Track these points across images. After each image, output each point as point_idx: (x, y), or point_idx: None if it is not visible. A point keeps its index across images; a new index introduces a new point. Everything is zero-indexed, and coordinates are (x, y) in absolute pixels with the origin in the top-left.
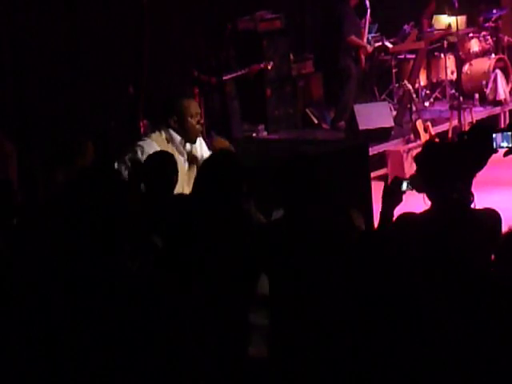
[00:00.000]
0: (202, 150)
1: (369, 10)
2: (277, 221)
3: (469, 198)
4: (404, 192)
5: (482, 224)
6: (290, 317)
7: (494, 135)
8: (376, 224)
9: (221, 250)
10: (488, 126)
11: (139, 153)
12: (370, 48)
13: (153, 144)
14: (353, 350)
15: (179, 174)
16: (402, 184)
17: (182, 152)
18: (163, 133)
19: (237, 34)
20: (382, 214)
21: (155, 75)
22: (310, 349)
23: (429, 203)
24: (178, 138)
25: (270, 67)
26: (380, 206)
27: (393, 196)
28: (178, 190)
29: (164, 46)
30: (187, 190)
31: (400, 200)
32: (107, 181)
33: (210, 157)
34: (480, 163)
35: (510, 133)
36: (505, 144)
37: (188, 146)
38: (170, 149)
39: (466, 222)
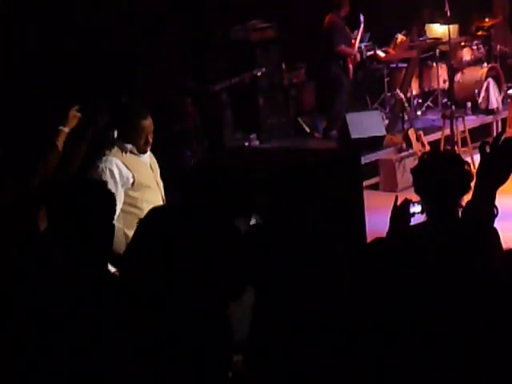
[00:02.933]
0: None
1: (362, 25)
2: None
3: (490, 212)
4: (413, 215)
5: (478, 240)
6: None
7: None
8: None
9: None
10: None
11: (103, 174)
12: (358, 56)
13: (112, 159)
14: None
15: (144, 172)
16: (411, 206)
17: (138, 154)
18: (115, 146)
19: (229, 43)
20: (388, 234)
21: (149, 85)
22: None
23: None
24: (128, 146)
25: (260, 74)
26: (373, 217)
27: (401, 218)
28: (148, 185)
29: (158, 56)
30: (154, 186)
31: (408, 222)
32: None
33: (198, 168)
34: (504, 176)
35: None
36: None
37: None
38: (128, 157)
39: (462, 238)
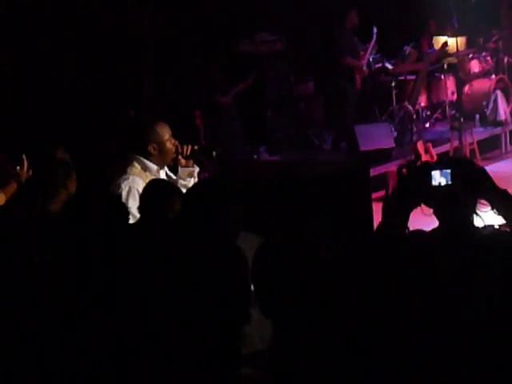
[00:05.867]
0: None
1: (375, 37)
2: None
3: (402, 233)
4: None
5: (494, 245)
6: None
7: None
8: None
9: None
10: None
11: (131, 194)
12: (366, 70)
13: (136, 179)
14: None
15: None
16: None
17: (158, 172)
18: (136, 163)
19: (238, 56)
20: (381, 225)
21: (156, 98)
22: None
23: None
24: (153, 166)
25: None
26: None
27: (392, 208)
28: None
29: (166, 69)
30: None
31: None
32: (109, 205)
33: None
34: (418, 198)
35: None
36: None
37: (162, 172)
38: (148, 177)
39: (476, 243)
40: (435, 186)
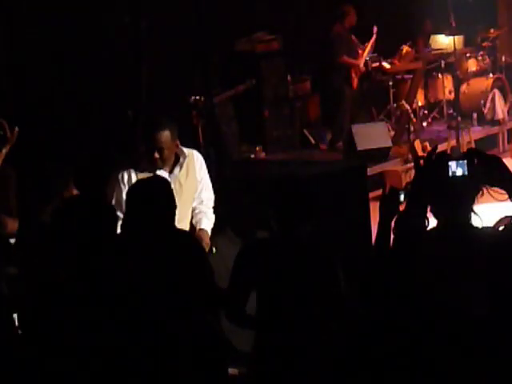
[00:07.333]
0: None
1: (374, 36)
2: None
3: (422, 224)
4: (401, 203)
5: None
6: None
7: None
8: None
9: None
10: None
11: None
12: (362, 67)
13: (130, 171)
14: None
15: None
16: (399, 194)
17: (154, 171)
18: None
19: (234, 55)
20: (379, 224)
21: (154, 99)
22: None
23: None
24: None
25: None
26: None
27: (390, 206)
28: None
29: (162, 69)
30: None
31: (397, 210)
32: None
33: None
34: (437, 189)
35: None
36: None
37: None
38: (141, 175)
39: (474, 242)
40: (452, 177)
